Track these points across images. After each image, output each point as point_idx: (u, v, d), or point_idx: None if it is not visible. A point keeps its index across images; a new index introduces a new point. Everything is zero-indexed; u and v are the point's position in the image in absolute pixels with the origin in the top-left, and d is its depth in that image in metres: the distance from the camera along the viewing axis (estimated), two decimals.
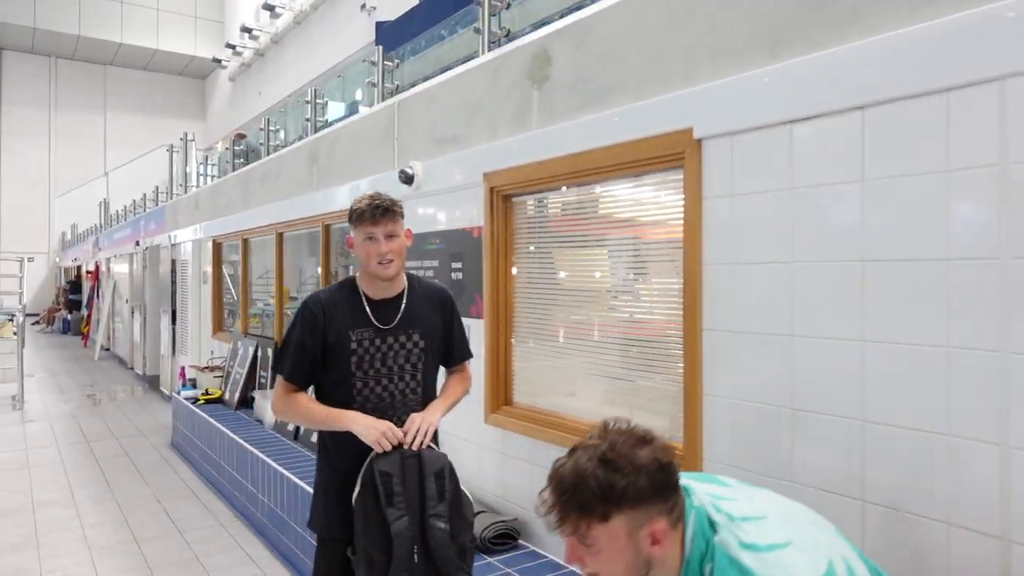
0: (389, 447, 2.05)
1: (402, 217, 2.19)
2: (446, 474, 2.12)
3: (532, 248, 3.18)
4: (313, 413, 2.18)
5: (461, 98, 3.49)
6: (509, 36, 3.58)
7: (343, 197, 4.60)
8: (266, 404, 5.43)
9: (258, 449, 4.70)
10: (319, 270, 5.15)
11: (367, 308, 2.19)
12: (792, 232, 2.00)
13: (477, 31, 3.61)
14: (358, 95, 10.19)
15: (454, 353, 2.37)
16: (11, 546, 4.36)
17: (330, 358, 2.17)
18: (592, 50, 2.71)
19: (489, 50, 3.58)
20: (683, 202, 2.35)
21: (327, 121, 5.69)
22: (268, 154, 6.78)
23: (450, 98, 3.59)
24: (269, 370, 5.91)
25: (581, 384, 2.98)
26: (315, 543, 2.31)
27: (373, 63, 4.71)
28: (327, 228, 5.04)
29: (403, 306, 2.22)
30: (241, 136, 10.85)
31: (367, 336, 2.17)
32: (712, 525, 1.24)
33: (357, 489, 2.07)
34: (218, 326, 7.65)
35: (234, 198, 6.88)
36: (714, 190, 2.24)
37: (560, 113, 2.86)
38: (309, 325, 2.17)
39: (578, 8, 2.94)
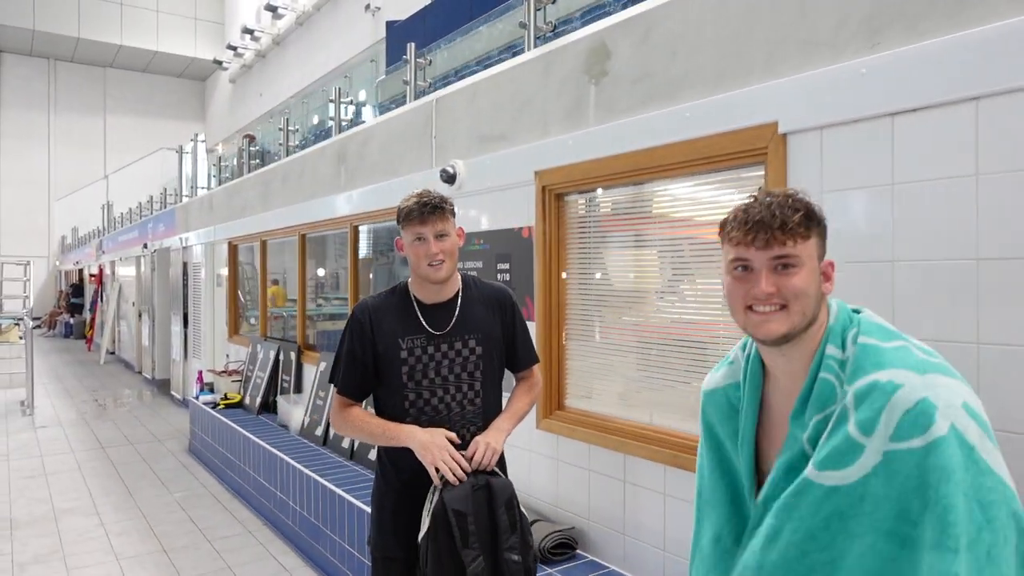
0: (447, 479, 1.92)
1: (453, 215, 2.07)
2: (515, 503, 2.01)
3: (585, 248, 3.09)
4: (370, 427, 2.06)
5: (507, 95, 3.40)
6: (556, 31, 3.49)
7: (375, 197, 4.50)
8: (291, 409, 5.34)
9: (287, 455, 4.60)
10: (347, 273, 5.04)
11: (419, 314, 2.07)
12: (893, 230, 1.92)
13: (522, 25, 3.52)
14: (362, 96, 10.10)
15: (519, 357, 2.23)
16: (36, 557, 4.25)
17: (381, 368, 2.07)
18: (657, 44, 2.62)
19: (535, 45, 3.48)
20: None
21: (351, 120, 5.59)
22: (288, 155, 6.68)
23: (494, 95, 3.50)
24: (292, 374, 5.81)
25: (636, 388, 2.89)
26: (369, 562, 2.20)
27: (390, 62, 4.60)
28: (355, 229, 4.94)
29: (457, 309, 2.10)
30: (251, 137, 10.75)
31: (419, 344, 2.05)
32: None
33: (426, 526, 1.94)
34: (234, 329, 7.54)
35: (252, 199, 6.77)
36: (800, 185, 2.14)
37: (621, 109, 2.77)
38: (358, 334, 2.08)
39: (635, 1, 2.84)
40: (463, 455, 1.97)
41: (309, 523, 4.17)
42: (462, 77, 4.57)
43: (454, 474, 1.92)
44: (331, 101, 5.78)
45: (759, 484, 1.28)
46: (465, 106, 3.71)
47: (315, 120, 8.90)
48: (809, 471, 1.13)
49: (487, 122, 3.54)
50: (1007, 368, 1.71)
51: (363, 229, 4.99)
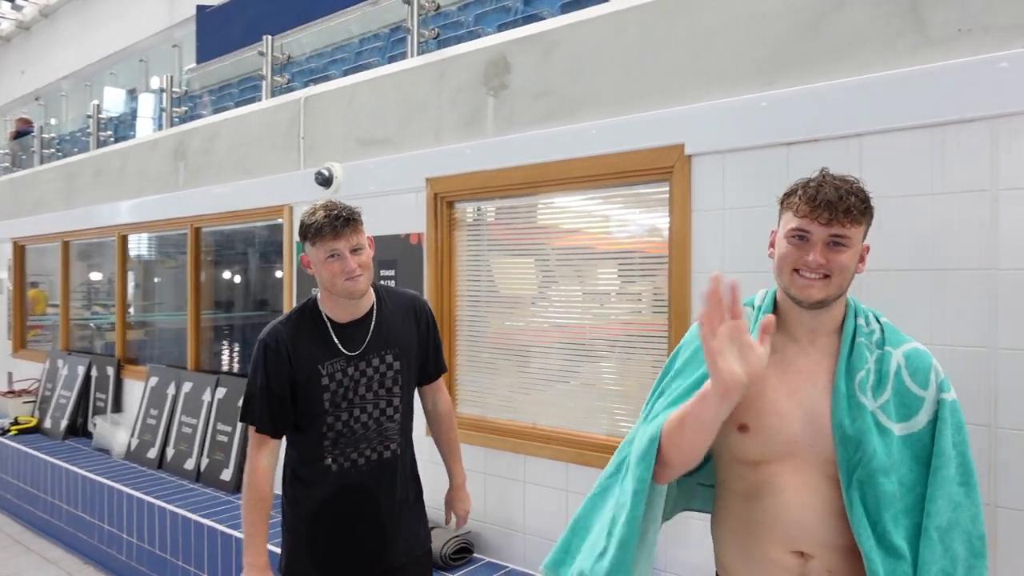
0: None
1: (363, 225, 1.95)
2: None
3: (476, 255, 3.15)
4: (246, 522, 1.96)
5: (392, 100, 3.36)
6: (439, 38, 3.51)
7: (223, 198, 4.20)
8: (113, 430, 4.77)
9: (117, 481, 4.11)
10: (189, 283, 4.62)
11: (333, 335, 1.97)
12: None
13: (406, 30, 3.50)
14: (154, 83, 9.28)
15: (429, 368, 2.18)
16: None
17: (301, 398, 1.95)
18: (559, 62, 2.76)
19: (418, 52, 3.48)
20: (668, 214, 2.48)
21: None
22: (98, 146, 5.95)
23: (376, 99, 3.44)
24: (109, 392, 5.19)
25: (528, 390, 3.00)
26: None
27: (201, 49, 4.34)
28: (197, 231, 4.55)
29: (372, 326, 2.01)
30: (26, 122, 9.38)
31: (339, 367, 1.95)
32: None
33: None
34: (19, 342, 6.54)
35: (50, 194, 5.94)
36: (704, 203, 2.39)
37: (522, 122, 2.87)
38: (274, 366, 1.93)
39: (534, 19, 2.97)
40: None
41: (153, 556, 3.76)
42: (321, 74, 4.41)
43: None
44: (161, 90, 5.25)
45: None
46: (341, 108, 3.60)
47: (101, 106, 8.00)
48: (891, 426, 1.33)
49: (368, 126, 3.46)
50: None
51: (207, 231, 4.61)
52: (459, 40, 3.39)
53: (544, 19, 3.01)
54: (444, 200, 3.15)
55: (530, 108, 2.85)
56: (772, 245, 1.45)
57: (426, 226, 3.18)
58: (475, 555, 2.98)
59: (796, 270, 1.34)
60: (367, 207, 3.40)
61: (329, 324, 1.97)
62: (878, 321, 1.42)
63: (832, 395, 1.35)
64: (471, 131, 3.05)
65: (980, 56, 1.89)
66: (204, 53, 7.10)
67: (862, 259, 1.39)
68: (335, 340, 1.96)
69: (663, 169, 2.47)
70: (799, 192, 1.36)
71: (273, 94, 4.35)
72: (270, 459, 1.96)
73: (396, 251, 3.32)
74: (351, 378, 1.96)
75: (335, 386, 1.95)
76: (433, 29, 3.52)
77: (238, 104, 4.93)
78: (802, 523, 1.35)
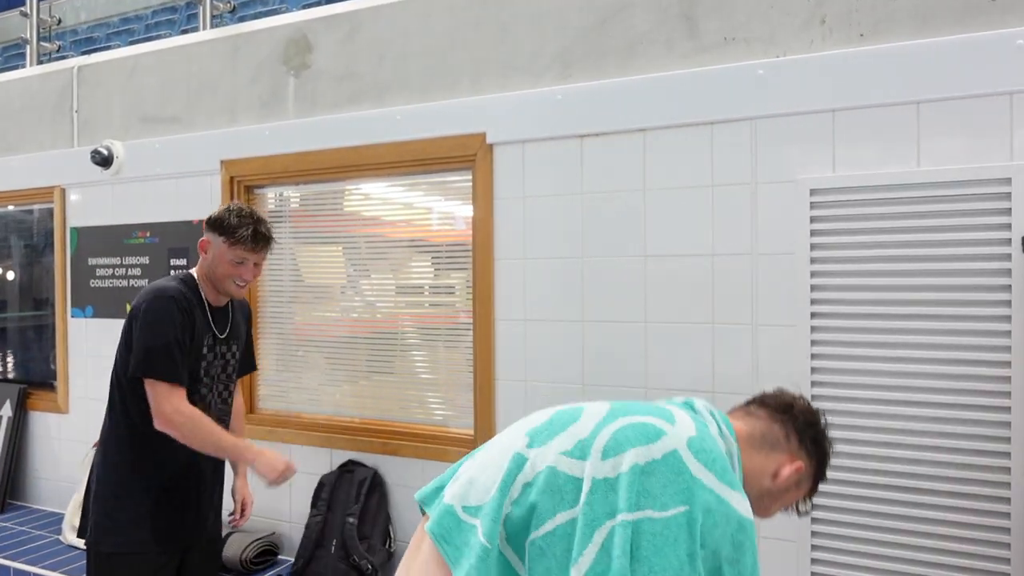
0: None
1: None
2: None
3: (277, 243, 2.99)
4: (222, 440, 2.00)
5: (181, 74, 3.10)
6: (234, 12, 3.30)
7: None
8: None
9: None
10: None
11: (209, 315, 2.11)
12: (583, 231, 2.33)
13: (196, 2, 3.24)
14: None
15: (248, 364, 2.37)
16: None
17: (188, 360, 2.04)
18: (363, 45, 2.70)
19: (212, 26, 3.24)
20: (472, 202, 2.51)
21: None
22: None
23: (162, 72, 3.15)
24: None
25: (332, 383, 2.91)
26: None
27: (25, 15, 3.81)
28: None
29: (231, 316, 2.20)
30: None
31: (209, 343, 2.10)
32: None
33: None
34: None
35: None
36: (505, 191, 2.45)
37: (326, 104, 2.77)
38: (179, 323, 1.99)
39: None
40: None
41: None
42: (104, 44, 3.98)
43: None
44: None
45: None
46: (122, 81, 3.26)
47: None
48: None
49: (154, 102, 3.17)
50: (664, 340, 2.21)
51: None
52: (260, 17, 3.20)
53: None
54: (242, 184, 2.96)
55: (334, 90, 2.76)
56: None
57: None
58: (280, 557, 2.85)
59: None
60: (153, 191, 3.16)
61: (207, 305, 2.11)
62: None
63: None
64: (271, 112, 2.89)
65: (744, 63, 2.11)
66: None
67: None
68: (210, 319, 2.11)
69: (466, 157, 2.50)
70: None
71: (40, 62, 3.85)
72: (187, 402, 1.99)
73: (188, 238, 3.07)
74: (217, 355, 2.13)
75: (212, 357, 2.11)
76: (229, 3, 3.30)
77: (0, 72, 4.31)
78: None
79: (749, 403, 1.30)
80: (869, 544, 1.96)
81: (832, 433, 1.31)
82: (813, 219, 2.01)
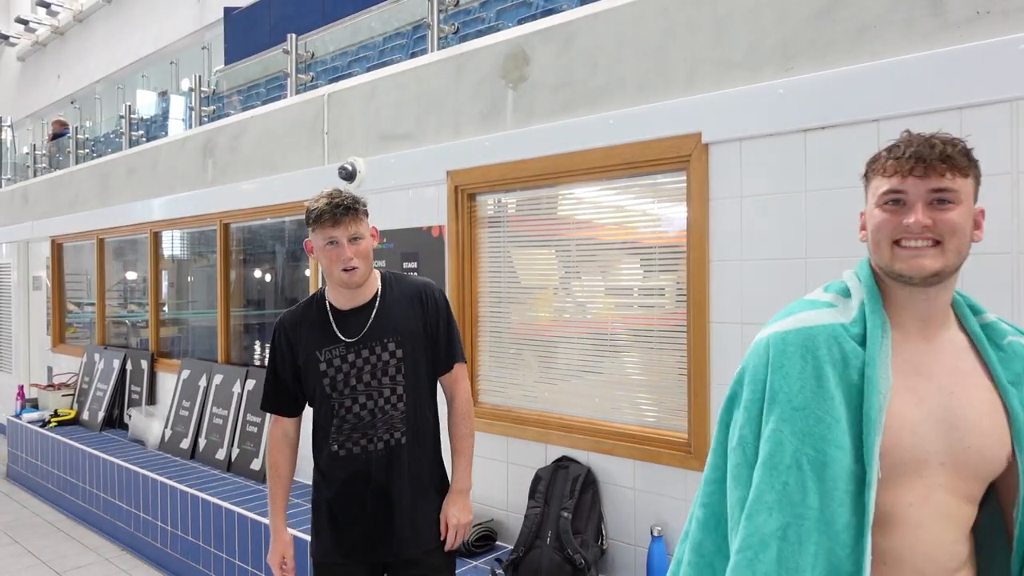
0: None
1: (366, 215, 1.98)
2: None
3: (496, 247, 3.17)
4: (268, 485, 2.13)
5: (412, 94, 3.40)
6: (458, 32, 3.55)
7: (250, 194, 4.28)
8: (148, 422, 4.91)
9: (151, 471, 4.23)
10: (219, 277, 4.73)
11: (332, 322, 2.02)
12: (806, 231, 2.20)
13: (427, 26, 3.53)
14: (184, 84, 9.41)
15: (440, 357, 2.09)
16: None
17: (306, 382, 2.05)
18: (578, 53, 2.77)
19: (439, 47, 3.52)
20: (685, 203, 2.48)
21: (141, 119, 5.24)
22: (130, 146, 6.10)
23: (396, 94, 3.48)
24: (144, 385, 5.33)
25: (546, 380, 3.02)
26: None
27: (229, 50, 4.41)
28: (226, 227, 4.65)
29: (373, 314, 2.01)
30: (62, 124, 9.62)
31: (337, 353, 1.99)
32: None
33: None
34: (59, 338, 6.74)
35: (85, 193, 6.11)
36: (721, 191, 2.39)
37: (541, 114, 2.89)
38: (278, 354, 2.07)
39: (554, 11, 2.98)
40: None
41: (186, 543, 3.87)
42: (345, 72, 4.47)
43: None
44: (190, 90, 5.36)
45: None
46: (362, 104, 3.65)
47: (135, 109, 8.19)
48: None
49: (389, 120, 3.51)
50: None
51: (234, 227, 4.70)
52: (480, 35, 3.42)
53: (563, 11, 3.02)
54: (464, 192, 3.18)
55: (549, 99, 2.87)
56: (863, 227, 1.22)
57: (447, 219, 3.22)
58: (497, 543, 3.02)
59: (896, 241, 1.12)
60: (389, 200, 3.49)
61: (330, 311, 2.02)
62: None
63: (1009, 415, 1.12)
64: (490, 124, 3.07)
65: (1001, 38, 1.87)
66: (232, 54, 7.26)
67: (978, 225, 1.15)
68: (334, 327, 2.00)
69: (681, 158, 2.47)
70: (883, 153, 1.16)
71: (298, 92, 4.42)
72: (280, 433, 2.10)
73: (418, 244, 3.36)
74: (350, 364, 1.98)
75: (333, 372, 1.99)
76: (454, 25, 3.56)
77: (265, 103, 5.02)
78: (934, 558, 1.11)
79: None
80: None
81: None
82: None
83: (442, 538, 2.04)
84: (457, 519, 2.04)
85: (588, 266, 2.92)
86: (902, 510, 1.10)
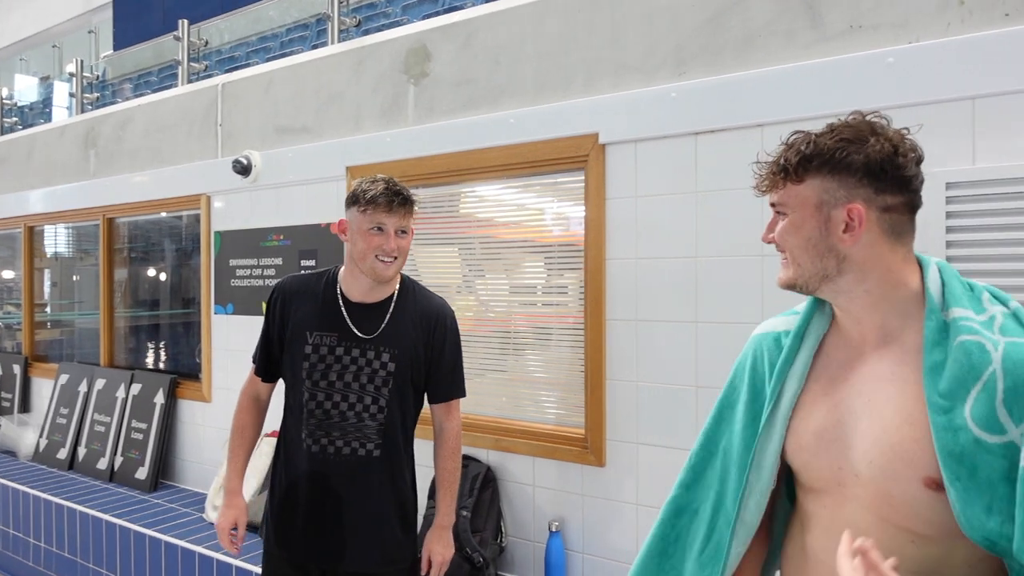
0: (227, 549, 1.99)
1: (414, 214, 1.92)
2: None
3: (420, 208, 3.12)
4: (230, 443, 2.05)
5: (311, 87, 3.31)
6: (360, 26, 3.48)
7: (138, 187, 4.05)
8: (21, 431, 4.55)
9: (25, 485, 3.92)
10: (101, 275, 4.44)
11: (343, 310, 1.90)
12: (696, 230, 2.28)
13: (326, 18, 3.45)
14: (70, 68, 8.88)
15: (439, 387, 2.01)
16: None
17: (286, 356, 1.95)
18: (479, 51, 2.77)
19: (339, 40, 3.44)
20: (584, 202, 2.52)
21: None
22: (2, 134, 5.65)
23: (294, 86, 3.38)
24: (16, 391, 4.94)
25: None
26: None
27: (118, 36, 4.18)
28: (110, 222, 4.37)
29: (388, 317, 1.91)
30: None
31: (328, 343, 1.88)
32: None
33: None
34: None
35: None
36: (617, 191, 2.44)
37: (443, 110, 2.87)
38: (269, 312, 1.99)
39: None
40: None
41: (63, 560, 3.60)
42: (244, 63, 4.31)
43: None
44: (71, 75, 5.02)
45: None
46: (259, 95, 3.52)
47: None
48: None
49: (287, 113, 3.40)
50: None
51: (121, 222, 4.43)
52: (384, 30, 3.36)
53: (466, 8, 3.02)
54: None
55: (451, 96, 2.85)
56: None
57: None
58: None
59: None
60: (287, 196, 3.38)
61: (341, 299, 1.92)
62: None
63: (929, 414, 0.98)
64: (392, 119, 3.03)
65: (872, 51, 2.00)
66: (121, 39, 6.85)
67: (846, 227, 1.05)
68: (344, 315, 1.90)
69: (579, 158, 2.51)
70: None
71: (191, 81, 4.22)
72: (253, 394, 2.06)
73: (317, 241, 3.27)
74: (336, 359, 1.89)
75: (316, 359, 1.89)
76: (356, 18, 3.49)
77: (157, 92, 4.76)
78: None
79: None
80: None
81: None
82: (949, 215, 1.88)
83: (424, 574, 1.99)
84: (442, 555, 1.98)
85: (492, 264, 2.92)
86: (818, 511, 1.13)
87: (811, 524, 1.15)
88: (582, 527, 2.51)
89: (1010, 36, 1.81)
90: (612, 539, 2.44)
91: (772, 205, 1.12)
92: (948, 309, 1.02)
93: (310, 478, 1.90)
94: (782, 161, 1.08)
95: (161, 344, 4.49)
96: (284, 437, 2.00)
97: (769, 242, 1.14)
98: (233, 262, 3.63)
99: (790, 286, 1.13)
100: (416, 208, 1.94)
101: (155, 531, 3.19)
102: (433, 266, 3.08)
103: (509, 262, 2.86)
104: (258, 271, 3.52)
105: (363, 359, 1.90)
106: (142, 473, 3.86)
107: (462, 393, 2.07)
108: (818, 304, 1.19)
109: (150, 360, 4.49)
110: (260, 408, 2.07)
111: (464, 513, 2.57)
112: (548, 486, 2.60)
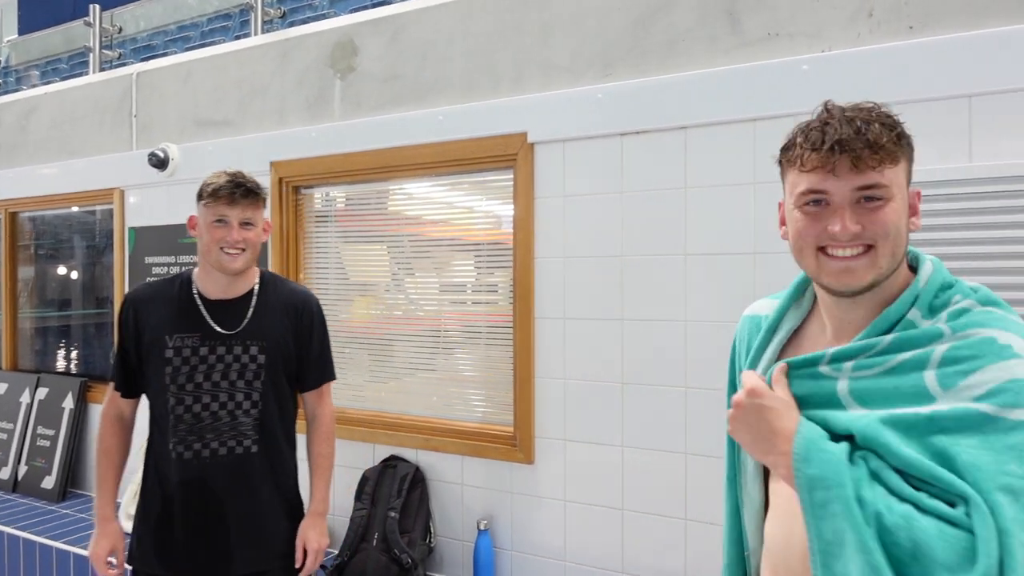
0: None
1: (265, 206, 1.90)
2: None
3: (324, 243, 3.06)
4: (97, 471, 1.95)
5: (232, 79, 3.20)
6: (285, 18, 3.39)
7: (44, 180, 3.83)
8: None
9: None
10: (3, 272, 4.18)
11: (202, 309, 1.86)
12: (622, 229, 2.32)
13: (249, 8, 3.34)
14: None
15: (309, 374, 2.00)
16: None
17: (146, 366, 1.88)
18: (407, 47, 2.74)
19: (263, 32, 3.34)
20: (512, 201, 2.53)
21: None
22: None
23: (216, 77, 3.26)
24: None
25: (376, 380, 2.96)
26: None
27: (24, 19, 3.98)
28: (12, 216, 4.12)
29: (250, 311, 1.89)
30: None
31: (189, 344, 1.84)
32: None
33: None
34: None
35: None
36: (546, 190, 2.46)
37: (370, 106, 2.83)
38: (124, 328, 1.92)
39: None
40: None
41: None
42: (162, 52, 4.13)
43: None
44: None
45: None
46: (177, 86, 3.38)
47: None
48: None
49: (207, 105, 3.28)
50: (642, 337, 2.19)
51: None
52: (310, 22, 3.28)
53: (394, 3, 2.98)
54: (290, 185, 3.04)
55: (378, 92, 2.81)
56: (783, 222, 1.06)
57: (270, 212, 3.05)
58: None
59: (822, 249, 0.97)
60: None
61: (198, 298, 1.88)
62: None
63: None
64: (317, 114, 2.96)
65: (788, 58, 2.08)
66: (27, 23, 6.46)
67: (914, 211, 0.99)
68: (203, 314, 1.86)
69: (507, 157, 2.52)
70: (799, 139, 0.98)
71: (103, 69, 4.02)
72: (115, 413, 1.97)
73: None
74: (200, 359, 1.84)
75: (179, 362, 1.84)
76: (280, 9, 3.39)
77: (67, 80, 4.51)
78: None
79: None
80: None
81: None
82: None
83: (298, 565, 1.92)
84: (317, 543, 1.93)
85: (421, 263, 2.89)
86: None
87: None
88: (510, 525, 2.51)
89: (916, 47, 1.91)
90: (540, 536, 2.46)
91: (863, 188, 0.94)
92: (937, 312, 0.97)
93: (185, 487, 1.84)
94: (873, 136, 0.93)
95: (72, 345, 4.26)
96: (152, 451, 1.93)
97: (855, 235, 0.94)
98: (149, 260, 3.47)
99: (870, 287, 0.97)
100: (265, 199, 1.91)
101: (63, 543, 3.03)
102: (360, 264, 3.03)
103: (439, 260, 2.84)
104: (176, 269, 3.38)
105: (230, 355, 1.87)
106: (49, 482, 3.65)
107: (332, 376, 2.09)
108: (797, 296, 1.13)
109: (59, 363, 4.25)
110: (125, 427, 1.99)
111: (392, 514, 2.54)
112: (477, 485, 2.59)
